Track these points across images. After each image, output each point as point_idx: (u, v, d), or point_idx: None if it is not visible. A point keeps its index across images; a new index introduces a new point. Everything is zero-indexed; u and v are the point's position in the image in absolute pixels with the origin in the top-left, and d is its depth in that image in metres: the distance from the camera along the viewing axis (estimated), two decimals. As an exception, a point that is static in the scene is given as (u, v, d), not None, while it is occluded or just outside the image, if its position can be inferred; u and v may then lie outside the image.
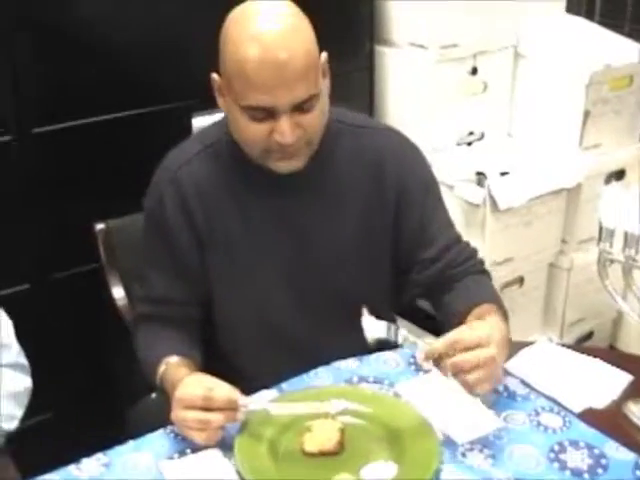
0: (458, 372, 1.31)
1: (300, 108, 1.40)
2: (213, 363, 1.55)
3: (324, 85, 1.46)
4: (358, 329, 1.57)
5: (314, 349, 1.58)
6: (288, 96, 1.37)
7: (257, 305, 1.60)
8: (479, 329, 1.36)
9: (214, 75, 1.47)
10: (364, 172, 1.58)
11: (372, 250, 1.62)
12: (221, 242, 1.56)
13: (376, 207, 1.59)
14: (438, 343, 1.31)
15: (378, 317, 1.70)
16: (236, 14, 1.43)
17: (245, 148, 1.48)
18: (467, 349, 1.31)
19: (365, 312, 1.40)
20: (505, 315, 1.52)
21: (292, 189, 1.54)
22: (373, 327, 1.38)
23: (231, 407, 1.32)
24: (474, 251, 1.67)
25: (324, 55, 1.46)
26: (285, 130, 1.39)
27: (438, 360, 1.32)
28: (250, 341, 1.63)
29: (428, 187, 1.63)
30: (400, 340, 1.37)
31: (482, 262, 1.68)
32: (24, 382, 1.56)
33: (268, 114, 1.39)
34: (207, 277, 1.59)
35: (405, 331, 1.37)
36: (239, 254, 1.57)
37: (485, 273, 1.66)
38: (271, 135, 1.41)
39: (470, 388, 1.33)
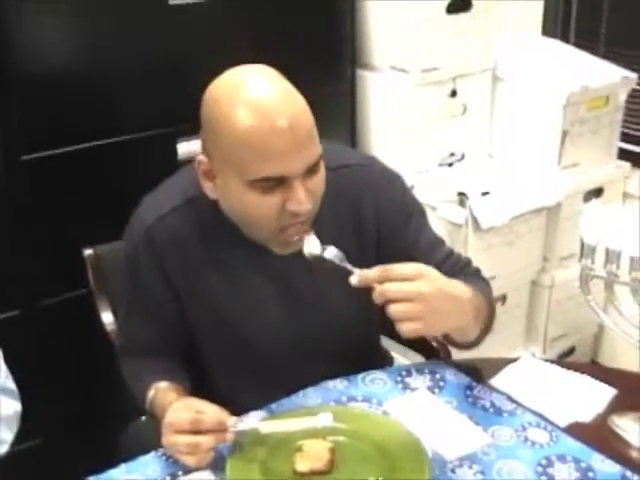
0: (385, 302, 1.23)
1: (308, 172, 1.34)
2: (202, 392, 1.53)
3: None
4: (345, 364, 1.57)
5: (302, 383, 1.55)
6: (301, 161, 1.31)
7: (245, 350, 1.57)
8: (422, 266, 1.28)
9: (200, 157, 1.38)
10: (344, 216, 1.52)
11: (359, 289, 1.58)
12: (203, 297, 1.52)
13: (358, 247, 1.53)
14: (372, 270, 1.25)
15: (370, 346, 1.70)
16: (221, 89, 1.35)
17: (254, 228, 1.40)
18: (401, 281, 1.23)
19: (312, 232, 1.37)
20: (489, 300, 1.49)
21: None
22: (313, 245, 1.36)
23: (220, 428, 1.31)
24: (468, 261, 1.64)
25: None
26: (301, 197, 1.32)
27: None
28: (238, 378, 1.59)
29: (409, 212, 1.59)
30: (336, 260, 1.33)
31: (478, 270, 1.65)
32: (13, 406, 1.53)
33: (278, 183, 1.32)
34: (188, 327, 1.56)
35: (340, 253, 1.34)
36: (224, 307, 1.53)
37: (479, 277, 1.62)
38: (283, 207, 1.33)
39: (396, 322, 1.23)
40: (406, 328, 1.23)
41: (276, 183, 1.32)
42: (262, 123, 1.29)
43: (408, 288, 1.23)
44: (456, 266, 1.59)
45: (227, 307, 1.53)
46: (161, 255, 1.49)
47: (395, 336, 1.83)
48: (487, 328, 1.53)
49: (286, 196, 1.32)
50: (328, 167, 1.44)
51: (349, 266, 1.31)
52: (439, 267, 1.54)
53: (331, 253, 1.35)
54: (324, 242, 1.44)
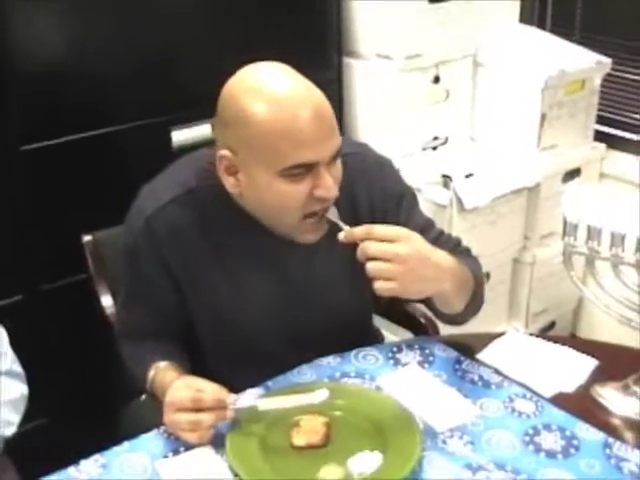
0: (366, 260, 1.25)
1: (332, 160, 1.35)
2: (201, 373, 1.52)
3: None
4: (340, 346, 1.57)
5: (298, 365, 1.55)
6: (329, 147, 1.33)
7: (243, 337, 1.56)
8: (405, 230, 1.30)
9: (223, 153, 1.36)
10: (339, 202, 1.47)
11: (355, 277, 1.51)
12: (202, 286, 1.51)
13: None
14: (358, 228, 1.27)
15: (364, 327, 1.72)
16: (242, 85, 1.34)
17: (278, 220, 1.40)
18: (384, 241, 1.26)
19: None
20: (476, 275, 1.50)
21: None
22: None
23: (220, 406, 1.30)
24: (458, 241, 1.64)
25: None
26: (330, 183, 1.33)
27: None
28: (236, 363, 1.58)
29: (400, 196, 1.58)
30: (332, 217, 1.37)
31: (468, 249, 1.64)
32: (20, 389, 1.53)
33: (306, 171, 1.32)
34: (188, 314, 1.55)
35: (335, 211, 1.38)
36: (223, 296, 1.52)
37: (469, 255, 1.62)
38: (311, 194, 1.34)
39: (373, 280, 1.25)
40: (380, 286, 1.25)
41: (305, 171, 1.32)
42: (291, 113, 1.29)
43: (387, 248, 1.25)
44: (446, 246, 1.57)
45: (226, 296, 1.52)
46: (160, 245, 1.47)
47: (386, 314, 1.84)
48: (474, 304, 1.53)
49: (314, 183, 1.33)
50: None
51: (341, 223, 1.33)
52: None
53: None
54: None
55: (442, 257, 1.37)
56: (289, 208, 1.36)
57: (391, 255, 1.24)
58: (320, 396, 1.35)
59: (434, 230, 1.62)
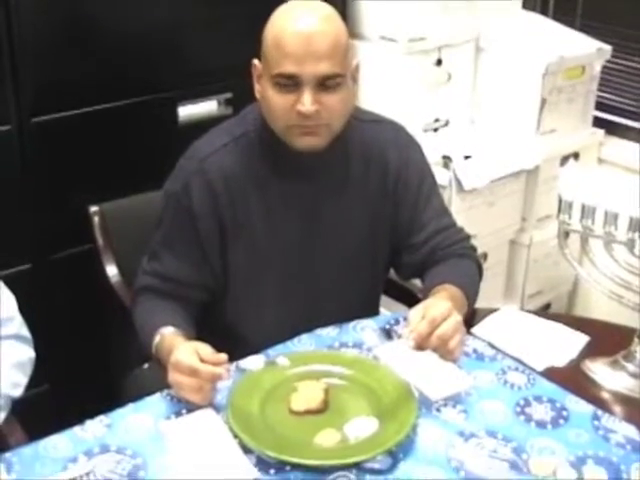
0: (443, 342, 1.33)
1: (324, 85, 1.44)
2: (217, 333, 1.56)
3: (352, 88, 1.52)
4: (355, 313, 1.64)
5: (314, 326, 1.60)
6: (313, 68, 1.42)
7: (268, 284, 1.61)
8: (439, 304, 1.39)
9: (255, 61, 1.53)
10: (372, 165, 1.62)
11: (376, 235, 1.66)
12: (243, 230, 1.57)
13: (380, 197, 1.63)
14: (422, 326, 1.33)
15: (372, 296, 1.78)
16: (280, 8, 1.50)
17: (271, 123, 1.51)
18: (442, 321, 1.34)
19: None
20: (468, 296, 1.55)
21: (312, 176, 1.57)
22: None
23: (215, 380, 1.33)
24: (464, 237, 1.70)
25: (356, 62, 1.54)
26: (306, 100, 1.43)
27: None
28: (257, 317, 1.63)
29: (423, 177, 1.67)
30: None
31: (471, 247, 1.71)
32: (28, 353, 1.55)
33: (295, 85, 1.44)
34: (224, 263, 1.59)
35: None
36: (258, 238, 1.58)
37: (470, 257, 1.68)
38: (294, 107, 1.44)
39: (451, 354, 1.35)
40: (458, 354, 1.38)
41: (293, 84, 1.44)
42: (290, 27, 1.44)
43: (454, 323, 1.35)
44: (451, 238, 1.66)
45: (260, 237, 1.58)
46: (213, 184, 1.55)
47: (384, 290, 1.86)
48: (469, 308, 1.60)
49: (297, 98, 1.44)
50: (362, 119, 1.63)
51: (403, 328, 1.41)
52: (437, 233, 1.63)
53: None
54: (355, 182, 1.60)
55: (461, 305, 1.49)
56: (275, 115, 1.48)
57: (458, 325, 1.36)
58: None
59: (448, 219, 1.69)
